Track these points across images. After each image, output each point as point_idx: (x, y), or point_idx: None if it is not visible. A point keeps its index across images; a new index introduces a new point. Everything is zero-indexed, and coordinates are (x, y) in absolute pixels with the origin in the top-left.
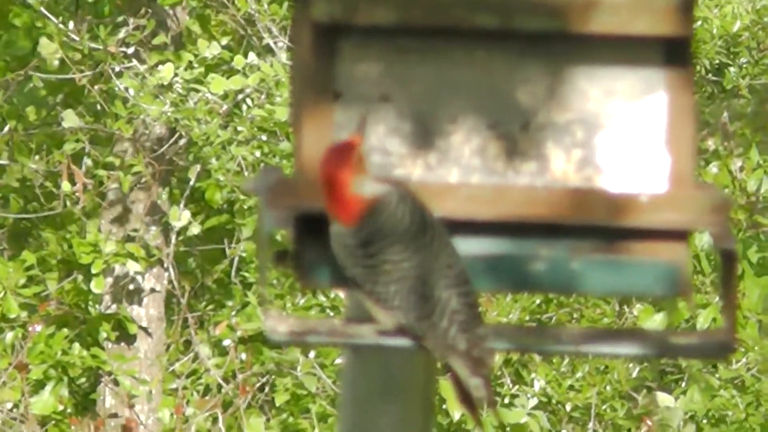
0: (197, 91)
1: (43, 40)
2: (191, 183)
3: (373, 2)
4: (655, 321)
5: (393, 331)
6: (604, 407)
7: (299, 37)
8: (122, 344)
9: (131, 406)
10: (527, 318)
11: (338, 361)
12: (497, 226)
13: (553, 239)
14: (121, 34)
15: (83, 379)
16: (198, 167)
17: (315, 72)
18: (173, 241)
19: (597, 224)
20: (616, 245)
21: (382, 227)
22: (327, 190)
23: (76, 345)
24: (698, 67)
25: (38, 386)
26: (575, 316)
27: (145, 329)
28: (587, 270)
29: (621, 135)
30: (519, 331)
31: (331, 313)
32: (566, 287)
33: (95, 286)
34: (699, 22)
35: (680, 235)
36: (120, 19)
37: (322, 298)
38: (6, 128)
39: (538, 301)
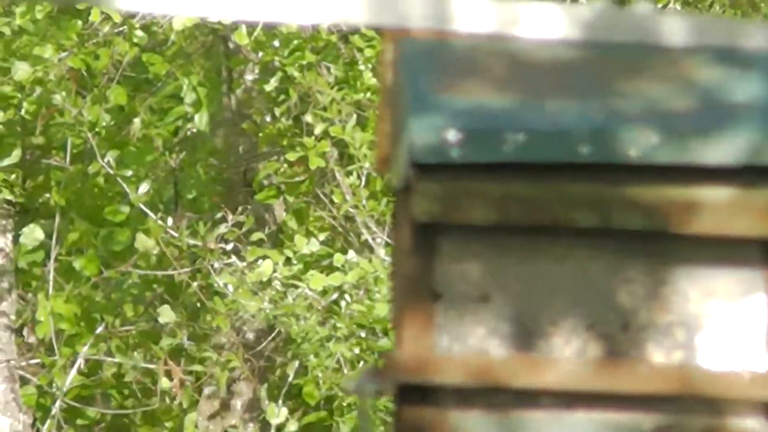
0: (296, 287)
1: (140, 236)
2: (289, 380)
3: (472, 201)
4: None
5: None
6: None
7: (399, 235)
8: None
9: None
10: None
11: None
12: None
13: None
14: (221, 230)
15: None
16: (296, 363)
17: (415, 271)
18: None
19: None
20: None
21: None
22: None
23: None
24: None
25: None
26: None
27: None
28: None
29: (721, 336)
30: None
31: None
32: None
33: None
34: None
35: None
36: (219, 215)
37: None
38: (102, 325)
39: None
